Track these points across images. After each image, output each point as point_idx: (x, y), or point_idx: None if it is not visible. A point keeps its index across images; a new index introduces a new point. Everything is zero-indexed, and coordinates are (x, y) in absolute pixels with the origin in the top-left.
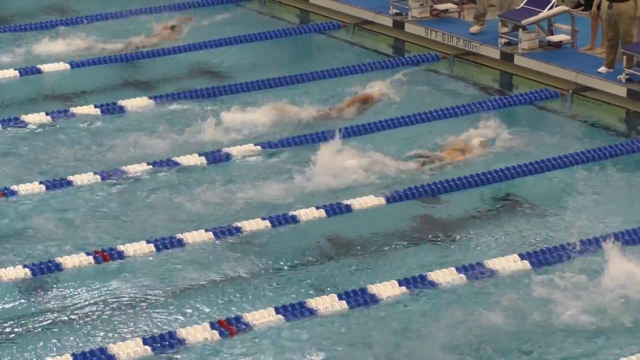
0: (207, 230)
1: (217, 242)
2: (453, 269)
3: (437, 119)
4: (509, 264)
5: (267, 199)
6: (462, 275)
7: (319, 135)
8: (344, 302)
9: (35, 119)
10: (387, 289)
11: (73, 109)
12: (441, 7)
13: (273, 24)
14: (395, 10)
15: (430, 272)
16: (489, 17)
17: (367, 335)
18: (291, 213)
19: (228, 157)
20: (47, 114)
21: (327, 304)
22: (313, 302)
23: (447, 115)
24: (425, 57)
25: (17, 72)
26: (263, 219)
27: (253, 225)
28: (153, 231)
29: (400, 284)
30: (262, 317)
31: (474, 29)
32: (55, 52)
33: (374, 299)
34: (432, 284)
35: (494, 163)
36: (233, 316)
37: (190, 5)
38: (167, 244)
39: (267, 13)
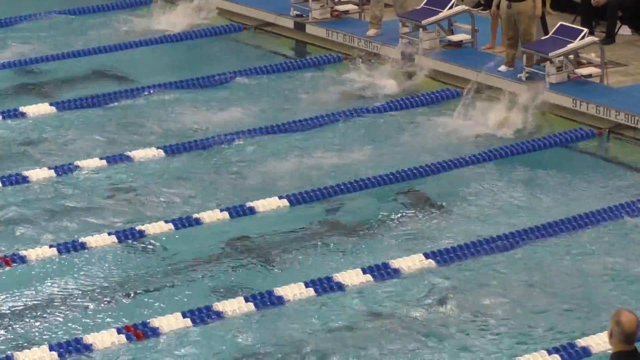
0: (109, 234)
1: (120, 245)
2: (359, 270)
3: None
4: (415, 263)
5: (173, 201)
6: (368, 275)
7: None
8: (251, 304)
9: None
10: (294, 291)
11: None
12: (342, 8)
13: (171, 28)
14: (296, 12)
15: (336, 274)
16: (390, 18)
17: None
18: (195, 215)
19: (130, 159)
20: None
21: (234, 307)
22: (220, 305)
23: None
24: (327, 59)
25: None
26: (166, 221)
27: (157, 228)
28: (54, 234)
29: (307, 286)
30: (169, 321)
31: (371, 32)
32: None
33: (280, 301)
34: (340, 286)
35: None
36: (140, 321)
37: None
38: (69, 247)
39: (168, 14)
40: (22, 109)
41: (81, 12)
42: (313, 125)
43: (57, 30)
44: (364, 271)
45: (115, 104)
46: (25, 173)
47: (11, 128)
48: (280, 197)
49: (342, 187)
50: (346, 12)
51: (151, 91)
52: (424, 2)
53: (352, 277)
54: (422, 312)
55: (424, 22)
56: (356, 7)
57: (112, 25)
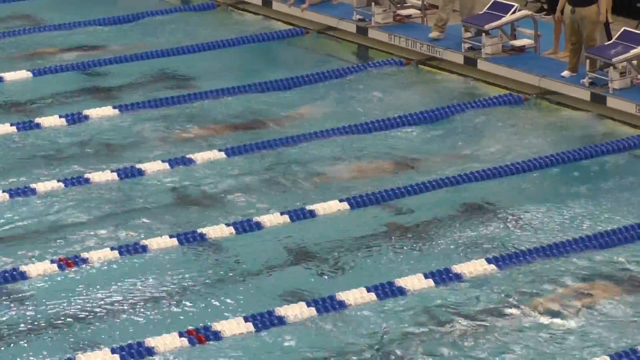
0: (171, 237)
1: (181, 248)
2: (421, 275)
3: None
4: (477, 268)
5: (232, 203)
6: (430, 280)
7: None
8: (312, 309)
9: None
10: (355, 296)
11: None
12: (404, 12)
13: (236, 31)
14: (358, 16)
15: (398, 279)
16: (453, 22)
17: (336, 342)
18: (255, 219)
19: (192, 161)
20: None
21: (296, 311)
22: (282, 310)
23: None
24: (389, 63)
25: None
26: (227, 225)
27: (218, 231)
28: (116, 237)
29: (369, 291)
30: (231, 325)
31: (434, 34)
32: (17, 60)
33: (342, 306)
34: (401, 291)
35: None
36: (202, 325)
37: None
38: (130, 249)
39: (230, 19)
40: (86, 111)
41: (144, 15)
42: (372, 128)
43: (120, 33)
44: (426, 276)
45: (178, 106)
46: (88, 175)
47: (75, 130)
48: (341, 200)
49: (404, 190)
50: (408, 16)
51: (213, 94)
52: (487, 7)
53: (414, 282)
54: (484, 318)
55: (486, 26)
56: (418, 11)
57: (176, 28)
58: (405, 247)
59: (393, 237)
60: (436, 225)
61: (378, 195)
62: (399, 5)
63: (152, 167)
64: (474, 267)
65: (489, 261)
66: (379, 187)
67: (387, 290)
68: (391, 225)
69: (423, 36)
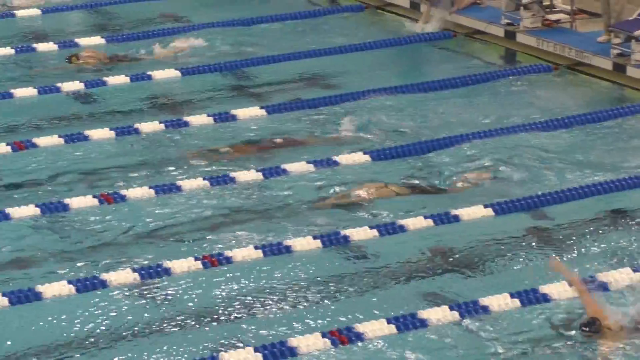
0: (314, 238)
1: (324, 249)
2: (565, 282)
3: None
4: (622, 277)
5: (377, 206)
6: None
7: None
8: (455, 312)
9: (149, 127)
10: (499, 301)
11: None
12: (553, 17)
13: (383, 33)
14: (506, 20)
15: (542, 286)
16: (600, 28)
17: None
18: (399, 222)
19: (336, 163)
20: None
21: (439, 315)
22: (424, 313)
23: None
24: (537, 68)
25: (127, 79)
26: (371, 227)
27: (361, 233)
28: (260, 236)
29: (513, 297)
30: (374, 327)
31: (602, 38)
32: (166, 59)
33: (485, 310)
34: (545, 297)
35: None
36: (345, 326)
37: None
38: (274, 249)
39: (378, 21)
40: (233, 111)
41: (293, 17)
42: (524, 130)
43: (269, 34)
44: (570, 284)
45: (326, 108)
46: (233, 174)
47: (222, 130)
48: (486, 206)
49: (549, 197)
50: (557, 21)
51: (359, 96)
52: (637, 13)
53: (559, 289)
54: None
55: (636, 32)
56: (567, 16)
57: (324, 30)
58: (548, 254)
59: (537, 243)
60: (582, 233)
61: (523, 201)
62: (548, 9)
63: (297, 167)
64: (620, 275)
65: (635, 270)
66: (525, 192)
67: (530, 297)
68: (535, 231)
69: (571, 41)
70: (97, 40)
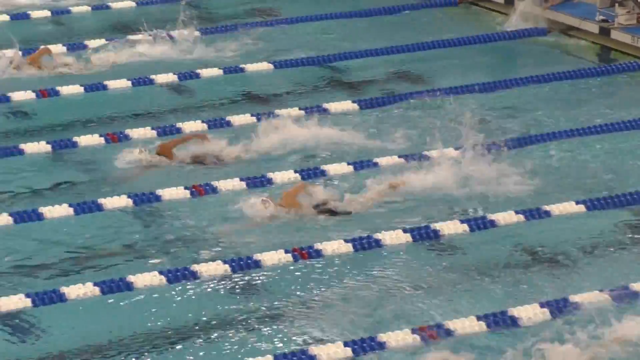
0: (404, 232)
1: (414, 244)
2: None
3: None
4: None
5: (466, 201)
6: None
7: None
8: (546, 310)
9: (240, 120)
10: (590, 298)
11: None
12: None
13: (477, 29)
14: (601, 17)
15: (633, 284)
16: None
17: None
18: (490, 217)
19: (423, 158)
20: (251, 115)
21: (529, 313)
22: (515, 311)
23: None
24: (631, 66)
25: (221, 71)
26: (461, 222)
27: (451, 227)
28: (352, 231)
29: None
30: (464, 324)
31: None
32: (257, 52)
33: (576, 307)
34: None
35: None
36: (434, 322)
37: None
38: (364, 243)
39: (472, 16)
40: (326, 105)
41: (386, 11)
42: (618, 129)
43: (361, 27)
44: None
45: (412, 103)
46: (324, 167)
47: (312, 123)
48: (577, 203)
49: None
50: None
51: (449, 93)
52: None
53: None
54: None
55: None
56: None
57: (418, 24)
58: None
59: (630, 242)
60: None
61: (616, 199)
62: None
63: (388, 161)
64: None
65: None
66: (620, 189)
67: (621, 294)
68: (626, 228)
69: None
70: (193, 32)
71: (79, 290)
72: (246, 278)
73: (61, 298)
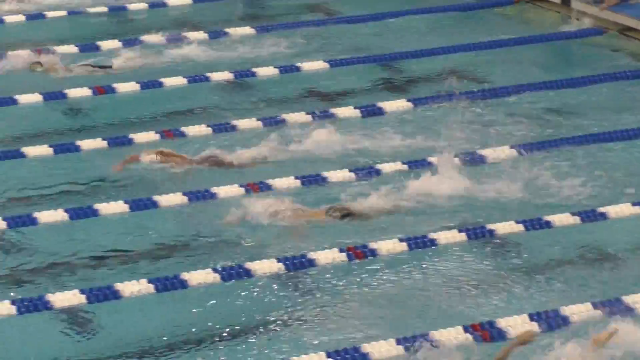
0: (460, 231)
1: (469, 243)
2: None
3: None
4: None
5: (525, 201)
6: None
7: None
8: (598, 310)
9: (296, 117)
10: None
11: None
12: None
13: (532, 29)
14: None
15: None
16: None
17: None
18: (545, 218)
19: (482, 159)
20: (307, 114)
21: (581, 309)
22: (567, 310)
23: None
24: None
25: (277, 70)
26: (517, 222)
27: (507, 227)
28: (403, 228)
29: None
30: (516, 322)
31: None
32: (312, 50)
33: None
34: None
35: None
36: (487, 320)
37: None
38: (419, 242)
39: (528, 16)
40: (380, 104)
41: (441, 10)
42: None
43: (416, 27)
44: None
45: (472, 102)
46: (379, 167)
47: (368, 123)
48: (634, 204)
49: None
50: None
51: (505, 92)
52: None
53: None
54: None
55: None
56: None
57: (471, 23)
58: None
59: None
60: None
61: None
62: None
63: (441, 161)
64: None
65: None
66: None
67: None
68: None
69: None
70: (248, 30)
71: (133, 287)
72: (300, 276)
73: (115, 295)
